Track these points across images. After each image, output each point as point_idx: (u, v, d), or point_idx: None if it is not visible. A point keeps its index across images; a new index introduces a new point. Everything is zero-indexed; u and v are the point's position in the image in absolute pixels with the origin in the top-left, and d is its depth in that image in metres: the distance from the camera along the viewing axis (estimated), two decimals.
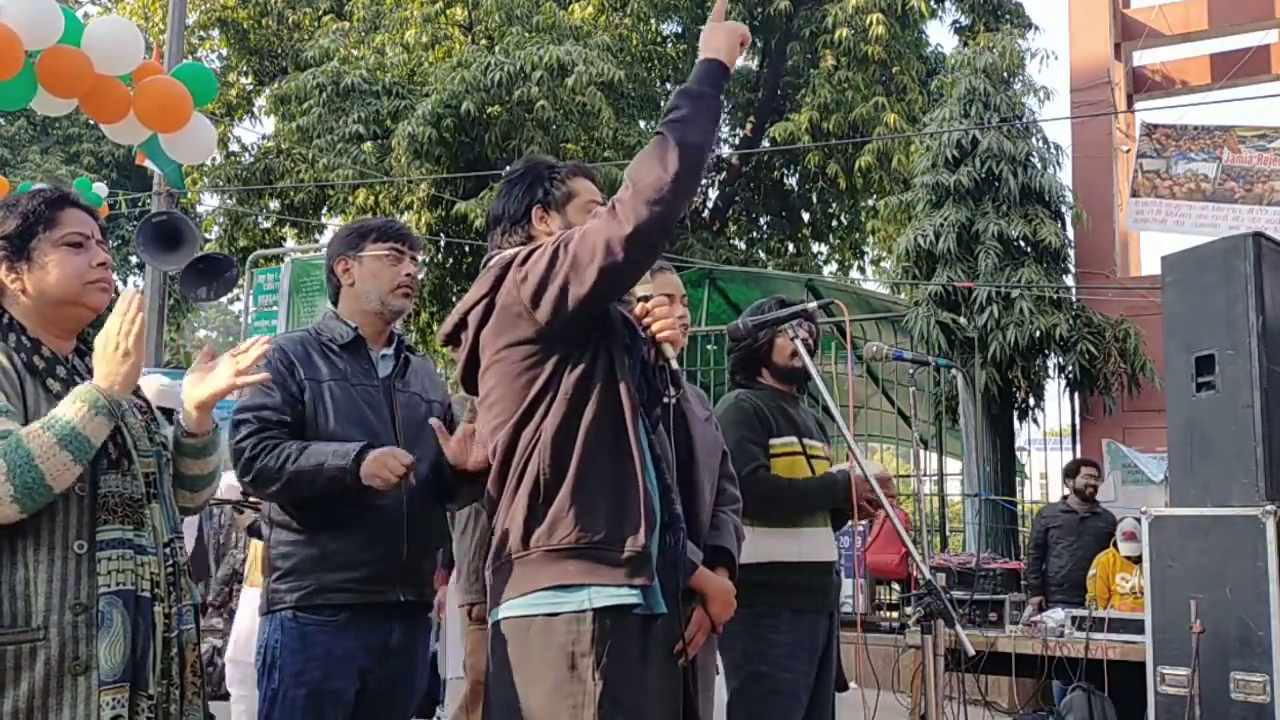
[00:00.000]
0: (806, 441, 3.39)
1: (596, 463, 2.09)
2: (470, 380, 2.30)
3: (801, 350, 2.99)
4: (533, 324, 2.12)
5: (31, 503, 1.85)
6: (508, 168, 2.48)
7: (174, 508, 2.16)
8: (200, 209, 16.06)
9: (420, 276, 14.54)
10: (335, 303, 2.86)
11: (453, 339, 2.31)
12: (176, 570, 2.07)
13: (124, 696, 1.90)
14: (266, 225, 15.60)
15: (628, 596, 2.06)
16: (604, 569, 2.05)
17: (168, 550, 2.06)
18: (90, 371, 2.04)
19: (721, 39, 2.14)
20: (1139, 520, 4.47)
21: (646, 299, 2.31)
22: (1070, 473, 7.84)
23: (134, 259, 19.38)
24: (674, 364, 2.28)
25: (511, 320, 2.15)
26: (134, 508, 2.00)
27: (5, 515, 1.84)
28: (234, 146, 16.99)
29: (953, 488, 11.26)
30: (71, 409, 1.90)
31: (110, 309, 2.03)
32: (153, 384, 4.09)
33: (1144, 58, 12.73)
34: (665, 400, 2.28)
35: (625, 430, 2.11)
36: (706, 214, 16.12)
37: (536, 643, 2.06)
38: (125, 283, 21.45)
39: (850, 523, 3.39)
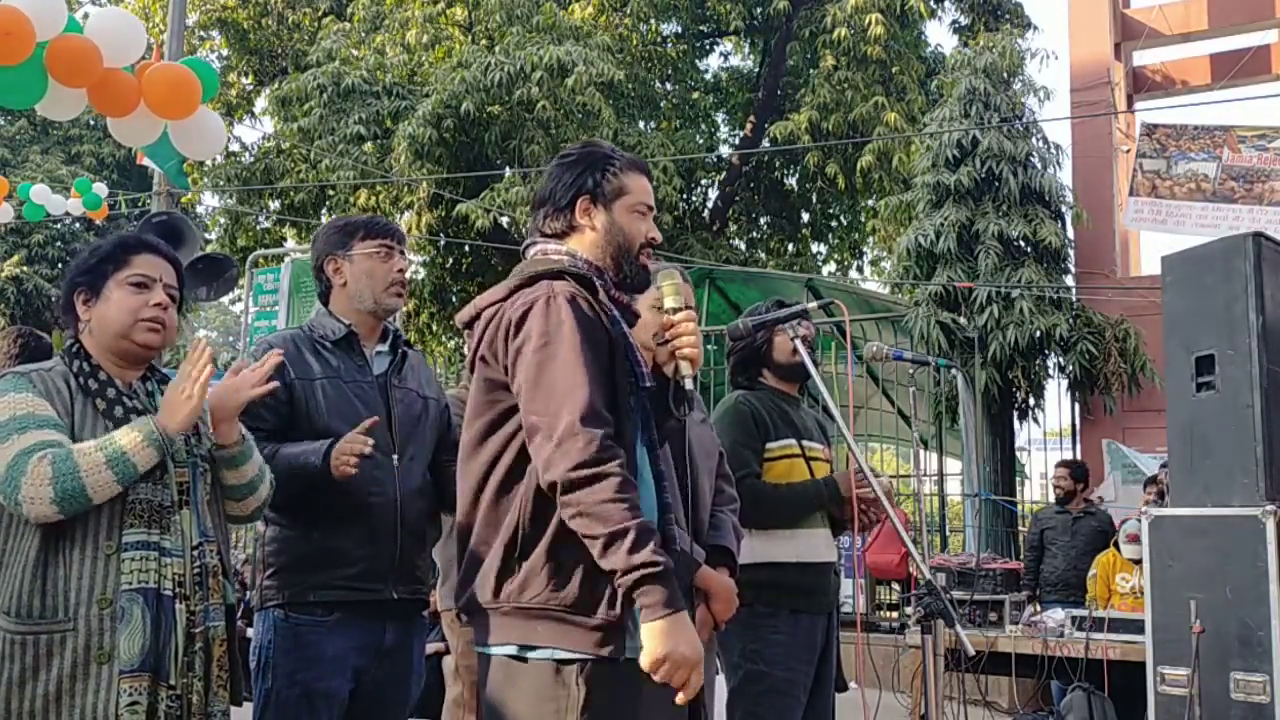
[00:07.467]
0: (806, 444, 3.38)
1: None
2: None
3: (801, 347, 2.99)
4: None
5: (70, 508, 2.05)
6: (563, 149, 2.31)
7: (207, 514, 2.27)
8: (200, 209, 16.06)
9: (421, 276, 14.65)
10: (326, 302, 2.80)
11: (469, 325, 2.26)
12: (204, 571, 2.21)
13: (143, 685, 2.05)
14: (267, 225, 15.60)
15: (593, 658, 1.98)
16: (572, 633, 1.97)
17: (196, 553, 2.20)
18: (147, 395, 2.28)
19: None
20: (1140, 521, 4.47)
21: (675, 310, 2.19)
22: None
23: None
24: (689, 383, 2.21)
25: (497, 349, 2.09)
26: (161, 513, 2.15)
27: (45, 515, 2.04)
28: (234, 146, 16.97)
29: (953, 488, 11.26)
30: (128, 437, 2.10)
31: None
32: None
33: (1144, 58, 12.72)
34: (675, 420, 2.24)
35: None
36: (706, 214, 16.11)
37: (516, 684, 2.02)
38: None
39: (849, 530, 3.38)
